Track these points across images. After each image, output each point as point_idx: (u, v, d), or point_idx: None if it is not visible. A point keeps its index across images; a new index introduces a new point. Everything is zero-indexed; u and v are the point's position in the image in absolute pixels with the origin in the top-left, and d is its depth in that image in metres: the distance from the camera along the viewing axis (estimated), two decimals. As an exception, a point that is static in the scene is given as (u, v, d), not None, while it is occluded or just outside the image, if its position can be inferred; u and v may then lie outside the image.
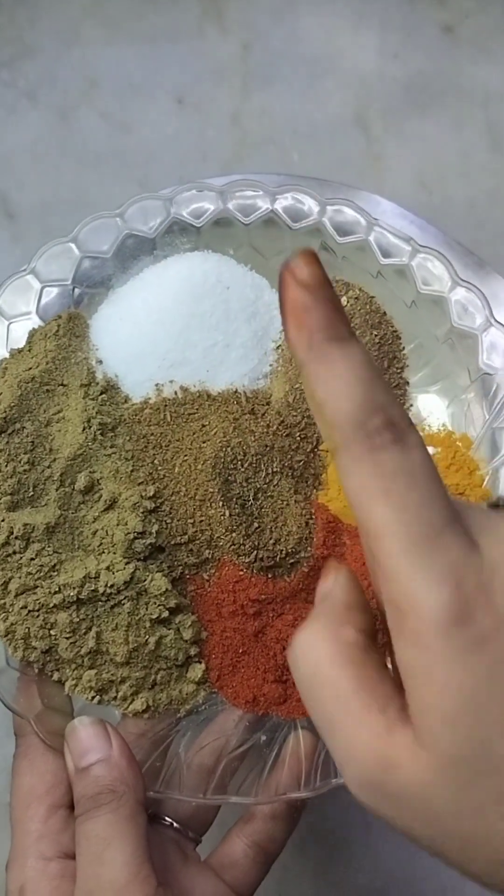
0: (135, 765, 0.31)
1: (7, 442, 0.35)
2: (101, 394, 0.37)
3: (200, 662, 0.36)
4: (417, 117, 0.55)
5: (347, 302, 0.40)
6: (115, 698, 0.35)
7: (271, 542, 0.36)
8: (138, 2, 0.58)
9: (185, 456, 0.36)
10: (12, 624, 0.34)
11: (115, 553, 0.34)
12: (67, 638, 0.34)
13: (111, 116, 0.56)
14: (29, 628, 0.34)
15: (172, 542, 0.36)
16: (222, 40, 0.57)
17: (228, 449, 0.36)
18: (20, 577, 0.34)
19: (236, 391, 0.38)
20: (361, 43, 0.57)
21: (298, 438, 0.38)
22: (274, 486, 0.37)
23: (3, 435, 0.35)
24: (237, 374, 0.38)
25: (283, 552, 0.36)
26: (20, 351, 0.39)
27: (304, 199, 0.41)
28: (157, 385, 0.38)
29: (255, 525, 0.36)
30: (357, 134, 0.55)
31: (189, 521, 0.36)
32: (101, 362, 0.38)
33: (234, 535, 0.36)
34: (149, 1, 0.58)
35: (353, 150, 0.55)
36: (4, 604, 0.34)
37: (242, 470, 0.37)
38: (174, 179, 0.49)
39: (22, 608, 0.34)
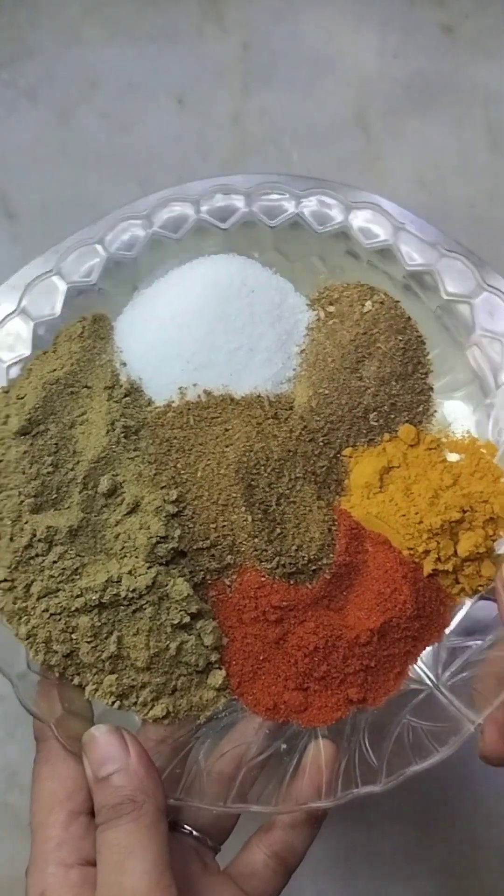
0: (154, 773, 0.31)
1: (31, 444, 0.35)
2: (125, 396, 0.37)
3: (221, 669, 0.36)
4: (417, 117, 0.55)
5: (373, 306, 0.40)
6: (135, 704, 0.35)
7: (293, 548, 0.36)
8: (138, 2, 0.58)
9: (208, 460, 0.36)
10: (34, 627, 0.34)
11: (137, 557, 0.34)
12: (89, 642, 0.34)
13: (111, 116, 0.56)
14: (50, 632, 0.34)
15: (195, 547, 0.36)
16: (222, 40, 0.57)
17: (251, 454, 0.36)
18: (42, 580, 0.34)
19: (259, 396, 0.38)
20: (361, 43, 0.57)
21: (321, 444, 0.38)
22: (296, 492, 0.37)
23: (27, 437, 0.35)
24: (261, 379, 0.38)
25: (306, 558, 0.36)
26: (45, 352, 0.39)
27: (329, 201, 0.41)
28: (180, 388, 0.38)
29: (278, 531, 0.36)
30: (357, 134, 0.55)
31: (211, 525, 0.36)
32: (125, 365, 0.38)
33: (256, 540, 0.36)
34: (149, 1, 0.58)
35: (353, 150, 0.55)
36: (26, 607, 0.34)
37: (265, 475, 0.36)
38: (174, 179, 0.49)
39: (44, 611, 0.34)
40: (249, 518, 0.35)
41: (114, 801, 0.30)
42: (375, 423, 0.39)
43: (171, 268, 0.41)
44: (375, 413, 0.39)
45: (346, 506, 0.38)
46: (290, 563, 0.36)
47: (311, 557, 0.36)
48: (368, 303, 0.40)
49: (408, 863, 0.47)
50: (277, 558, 0.36)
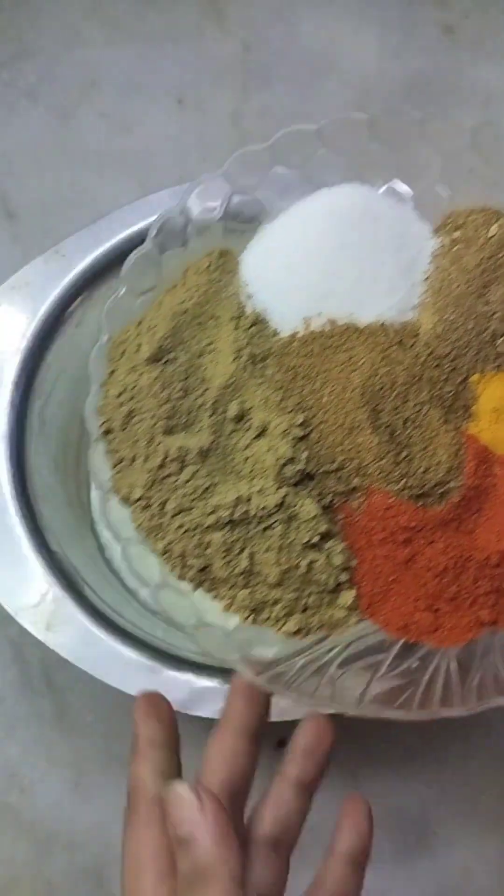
0: (231, 840, 0.30)
1: (161, 371, 0.36)
2: (251, 326, 0.37)
3: (351, 588, 0.36)
4: (417, 117, 0.55)
5: (499, 230, 0.39)
6: (268, 619, 0.35)
7: (420, 470, 0.36)
8: (138, 2, 0.58)
9: (334, 385, 0.36)
10: (169, 543, 0.35)
11: (266, 478, 0.35)
12: (222, 557, 0.34)
13: (111, 116, 0.56)
14: (185, 547, 0.35)
15: (322, 470, 0.36)
16: (222, 40, 0.57)
17: (376, 378, 0.36)
18: (176, 499, 0.35)
19: (383, 324, 0.38)
20: (361, 43, 0.57)
21: (448, 370, 0.37)
22: (423, 416, 0.37)
23: (157, 364, 0.36)
24: (384, 306, 0.38)
25: (433, 481, 0.36)
26: (174, 286, 0.39)
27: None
28: (305, 318, 0.37)
29: (404, 453, 0.36)
30: (357, 134, 0.55)
31: (338, 448, 0.36)
32: (250, 297, 0.38)
33: (382, 462, 0.36)
34: (149, 1, 0.58)
35: (353, 150, 0.55)
36: (161, 524, 0.35)
37: (391, 399, 0.36)
38: (174, 179, 0.49)
39: (178, 528, 0.35)
40: (375, 440, 0.36)
41: (189, 869, 0.30)
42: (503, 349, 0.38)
43: (296, 200, 0.40)
44: (503, 339, 0.38)
45: (473, 431, 0.37)
46: (418, 486, 0.36)
47: (439, 480, 0.36)
48: (494, 227, 0.39)
49: (408, 863, 0.48)
50: (404, 480, 0.36)
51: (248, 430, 0.35)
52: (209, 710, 0.40)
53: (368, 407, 0.36)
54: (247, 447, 0.35)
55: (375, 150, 0.40)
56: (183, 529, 0.35)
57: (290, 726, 0.44)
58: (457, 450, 0.37)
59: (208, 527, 0.34)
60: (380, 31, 0.57)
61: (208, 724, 0.48)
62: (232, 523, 0.34)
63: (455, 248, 0.39)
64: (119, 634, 0.41)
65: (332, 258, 0.37)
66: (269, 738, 0.49)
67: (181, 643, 0.45)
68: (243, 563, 0.34)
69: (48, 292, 0.44)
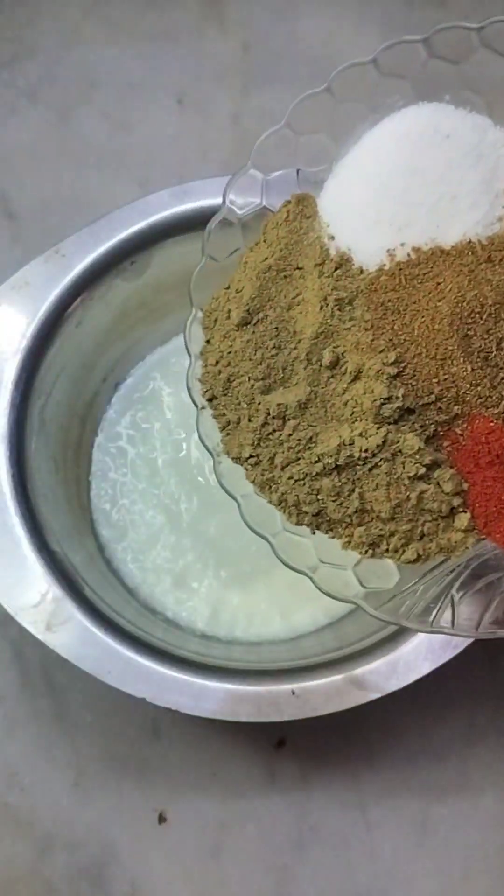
0: None
1: (253, 332, 0.37)
2: (336, 269, 0.37)
3: (465, 511, 0.36)
4: (417, 117, 0.55)
5: None
6: (386, 550, 0.36)
7: None
8: (138, 2, 0.58)
9: (423, 318, 0.36)
10: (283, 494, 0.36)
11: (366, 420, 0.35)
12: (334, 500, 0.36)
13: (111, 116, 0.56)
14: (298, 496, 0.36)
15: (420, 403, 0.36)
16: (222, 40, 0.57)
17: (464, 304, 0.36)
18: (283, 452, 0.36)
19: (470, 241, 0.37)
20: (361, 44, 0.57)
21: None
22: None
23: (248, 326, 0.37)
24: (469, 224, 0.37)
25: None
26: (256, 243, 0.39)
27: None
28: (388, 251, 0.37)
29: (501, 375, 0.36)
30: (357, 134, 0.55)
31: (433, 380, 0.36)
32: (332, 238, 0.38)
33: (479, 388, 0.36)
34: (149, 2, 0.58)
35: (353, 150, 0.55)
36: (273, 477, 0.36)
37: (481, 322, 0.36)
38: (174, 179, 0.49)
39: (289, 479, 0.36)
40: (469, 368, 0.35)
41: None
42: None
43: (364, 131, 0.39)
44: None
45: None
46: None
47: None
48: None
49: (408, 863, 0.48)
50: (503, 402, 0.36)
51: (343, 375, 0.36)
52: (209, 710, 0.40)
53: (459, 335, 0.35)
54: (344, 392, 0.36)
55: (437, 66, 0.40)
56: (293, 480, 0.36)
57: (290, 726, 0.44)
58: None
59: (317, 474, 0.36)
60: (380, 32, 0.57)
61: (208, 724, 0.48)
62: (338, 468, 0.35)
63: None
64: (119, 634, 0.41)
65: (406, 185, 0.37)
66: (269, 737, 0.49)
67: (181, 643, 0.45)
68: (355, 503, 0.36)
69: (48, 292, 0.44)
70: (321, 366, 0.36)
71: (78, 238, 0.45)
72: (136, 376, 0.53)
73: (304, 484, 0.36)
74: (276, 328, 0.37)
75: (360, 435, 0.35)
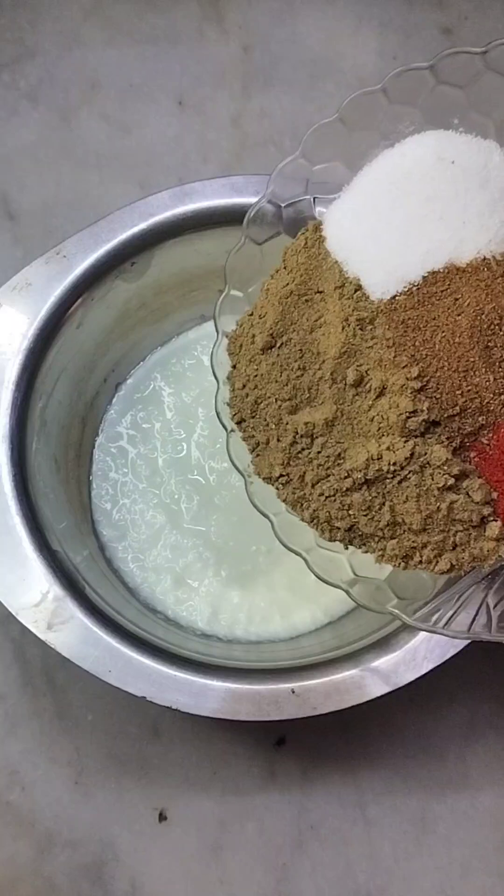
0: None
1: (277, 355, 0.38)
2: (356, 291, 0.38)
3: (496, 520, 0.37)
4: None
5: None
6: (420, 562, 0.37)
7: None
8: (139, 4, 0.58)
9: (443, 332, 0.36)
10: (315, 510, 0.37)
11: (393, 434, 0.36)
12: (365, 515, 0.36)
13: (112, 118, 0.57)
14: (329, 512, 0.37)
15: (446, 416, 0.36)
16: (223, 42, 0.57)
17: (483, 316, 0.36)
18: (312, 470, 0.37)
19: (485, 258, 0.37)
20: (361, 45, 0.57)
21: None
22: None
23: (272, 350, 0.38)
24: (482, 244, 0.37)
25: None
26: (277, 270, 0.40)
27: None
28: (406, 282, 0.37)
29: None
30: (357, 135, 0.56)
31: (457, 392, 0.36)
32: (344, 264, 0.39)
33: (502, 397, 0.36)
34: (149, 3, 0.58)
35: (352, 151, 0.55)
36: (304, 495, 0.37)
37: (501, 333, 0.36)
38: (174, 180, 0.49)
39: (320, 496, 0.37)
40: (492, 378, 0.36)
41: None
42: None
43: (373, 158, 0.40)
44: None
45: None
46: None
47: None
48: None
49: (407, 860, 0.48)
50: None
51: (368, 392, 0.36)
52: (209, 710, 0.40)
53: (479, 346, 0.36)
54: (370, 408, 0.36)
55: (445, 91, 0.40)
56: (324, 497, 0.37)
57: (290, 725, 0.44)
58: None
59: (347, 490, 0.36)
60: (379, 33, 0.57)
61: (208, 723, 0.48)
62: (368, 482, 0.36)
63: None
64: (119, 634, 0.41)
65: (417, 217, 0.37)
66: (269, 736, 0.49)
67: (181, 642, 0.45)
68: (386, 516, 0.36)
69: (49, 293, 0.44)
70: (346, 384, 0.37)
71: (79, 239, 0.45)
72: (137, 377, 0.53)
73: (335, 500, 0.36)
74: (300, 350, 0.38)
75: (388, 449, 0.36)
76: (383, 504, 0.36)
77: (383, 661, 0.41)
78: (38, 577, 0.41)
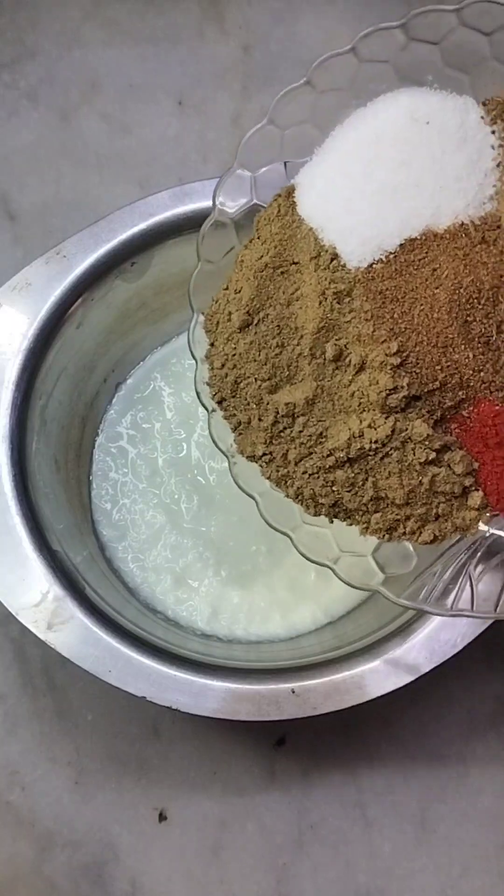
0: None
1: (255, 332, 0.37)
2: (332, 261, 0.37)
3: (478, 490, 0.37)
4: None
5: None
6: (403, 534, 0.37)
7: None
8: (139, 4, 0.58)
9: (422, 306, 0.36)
10: (299, 488, 0.37)
11: (373, 411, 0.36)
12: (349, 491, 0.36)
13: (112, 118, 0.57)
14: (314, 489, 0.37)
15: (426, 391, 0.36)
16: (223, 42, 0.57)
17: (461, 290, 0.36)
18: (295, 448, 0.37)
19: (463, 223, 0.36)
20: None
21: None
22: None
23: (250, 327, 0.37)
24: (459, 208, 0.36)
25: None
26: (251, 240, 0.39)
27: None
28: (382, 249, 0.36)
29: (503, 359, 0.36)
30: (357, 135, 0.56)
31: (436, 368, 0.36)
32: (319, 231, 0.37)
33: (482, 374, 0.36)
34: (149, 3, 0.58)
35: (352, 151, 0.55)
36: (288, 472, 0.37)
37: (480, 307, 0.36)
38: (175, 180, 0.49)
39: (303, 473, 0.37)
40: (471, 354, 0.36)
41: None
42: None
43: (346, 117, 0.38)
44: None
45: None
46: None
47: None
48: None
49: (407, 860, 0.48)
50: None
51: (347, 367, 0.36)
52: (209, 710, 0.40)
53: (458, 322, 0.35)
54: (350, 384, 0.36)
55: (418, 48, 0.39)
56: (308, 474, 0.37)
57: (290, 725, 0.44)
58: None
59: (330, 468, 0.36)
60: (379, 33, 0.57)
61: (209, 723, 0.48)
62: (350, 460, 0.36)
63: None
64: (120, 634, 0.41)
65: (393, 181, 0.36)
66: (269, 736, 0.49)
67: (181, 642, 0.45)
68: (369, 492, 0.36)
69: (49, 293, 0.44)
70: (325, 360, 0.36)
71: (79, 239, 0.45)
72: (137, 377, 0.53)
73: (319, 477, 0.36)
74: (278, 326, 0.37)
75: (370, 426, 0.35)
76: (366, 480, 0.36)
77: (383, 662, 0.41)
78: (38, 577, 0.41)
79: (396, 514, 0.36)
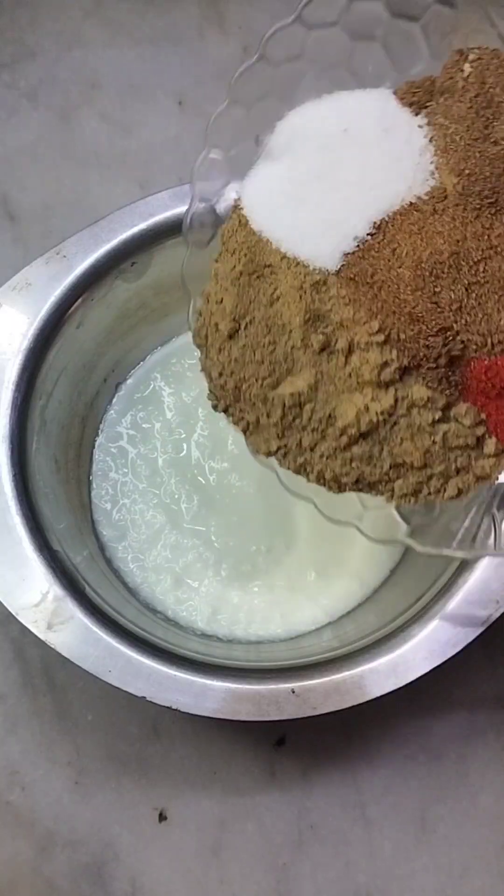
0: None
1: (245, 336, 0.38)
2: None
3: (491, 437, 0.37)
4: (417, 119, 0.56)
5: (471, 67, 0.38)
6: (429, 494, 0.38)
7: (502, 322, 0.36)
8: (139, 4, 0.58)
9: (389, 286, 0.37)
10: (320, 472, 0.38)
11: (372, 386, 0.37)
12: (368, 465, 0.37)
13: (112, 118, 0.57)
14: (334, 470, 0.37)
15: (417, 359, 0.37)
16: (222, 42, 0.58)
17: (423, 264, 0.36)
18: (308, 435, 0.37)
19: (411, 202, 0.37)
20: (361, 45, 0.57)
21: (489, 219, 0.37)
22: (483, 273, 0.37)
23: (238, 333, 0.38)
24: (403, 193, 0.37)
25: None
26: (220, 254, 0.40)
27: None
28: (341, 252, 0.37)
29: (480, 316, 0.37)
30: (357, 135, 0.56)
31: (419, 341, 0.36)
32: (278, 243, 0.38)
33: (461, 336, 0.36)
34: (149, 3, 0.58)
35: (352, 151, 0.55)
36: (306, 459, 0.38)
37: (445, 276, 0.36)
38: (175, 180, 0.49)
39: (321, 457, 0.37)
40: (450, 320, 0.36)
41: None
42: None
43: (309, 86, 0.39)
44: None
45: None
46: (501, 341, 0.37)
47: None
48: (466, 65, 0.38)
49: (407, 861, 0.48)
50: (489, 340, 0.37)
51: (339, 351, 0.37)
52: (209, 710, 0.40)
53: (426, 296, 0.36)
54: (345, 365, 0.37)
55: (361, 6, 0.40)
56: (325, 457, 0.37)
57: (290, 725, 0.44)
58: None
59: (345, 446, 0.37)
60: (379, 33, 0.57)
61: (209, 723, 0.48)
62: (363, 435, 0.37)
63: (442, 101, 0.39)
64: (120, 634, 0.41)
65: (326, 190, 0.37)
66: (269, 737, 0.49)
67: (181, 642, 0.45)
68: (387, 462, 0.37)
69: (49, 293, 0.44)
70: (316, 349, 0.37)
71: (79, 239, 0.45)
72: (137, 377, 0.53)
73: (336, 457, 0.37)
74: (266, 326, 0.37)
75: (373, 400, 0.36)
76: (382, 450, 0.37)
77: (383, 661, 0.41)
78: (38, 577, 0.41)
79: (418, 477, 0.37)
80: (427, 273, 0.36)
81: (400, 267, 0.37)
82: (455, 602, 0.41)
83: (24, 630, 0.41)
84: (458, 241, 0.37)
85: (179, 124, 0.56)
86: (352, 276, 0.37)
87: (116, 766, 0.48)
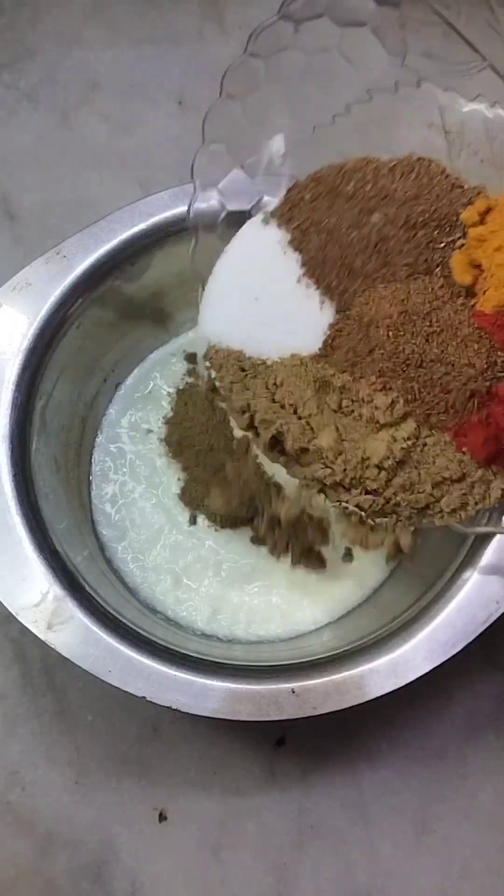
0: None
1: (281, 452, 0.40)
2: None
3: None
4: (417, 119, 0.56)
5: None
6: (476, 503, 0.38)
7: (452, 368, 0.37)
8: (139, 4, 0.58)
9: (371, 346, 0.39)
10: (379, 511, 0.38)
11: (390, 424, 0.38)
12: (410, 493, 0.38)
13: (112, 118, 0.57)
14: (374, 503, 0.38)
15: (420, 407, 0.38)
16: (223, 42, 0.58)
17: (390, 324, 0.38)
18: (355, 493, 0.38)
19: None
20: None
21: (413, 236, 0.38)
22: (438, 320, 0.38)
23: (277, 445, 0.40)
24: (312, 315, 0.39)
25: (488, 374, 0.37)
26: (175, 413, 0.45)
27: None
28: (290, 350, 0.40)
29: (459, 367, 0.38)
30: (357, 135, 0.56)
31: (411, 385, 0.38)
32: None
33: (457, 390, 0.37)
34: (149, 3, 0.58)
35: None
36: (342, 482, 0.38)
37: (403, 332, 0.38)
38: (175, 180, 0.49)
39: (374, 502, 0.38)
40: (422, 378, 0.38)
41: None
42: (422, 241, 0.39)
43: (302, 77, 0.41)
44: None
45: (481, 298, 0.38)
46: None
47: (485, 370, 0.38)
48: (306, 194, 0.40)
49: (407, 861, 0.48)
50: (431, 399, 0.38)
51: (351, 404, 0.38)
52: (209, 710, 0.40)
53: (405, 343, 0.38)
54: (361, 417, 0.38)
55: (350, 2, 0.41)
56: (373, 499, 0.38)
57: (290, 725, 0.44)
58: (479, 335, 0.38)
59: (386, 482, 0.38)
60: (379, 33, 0.57)
61: (208, 723, 0.48)
62: (399, 464, 0.38)
63: (298, 206, 0.41)
64: (119, 634, 0.41)
65: (277, 291, 0.40)
66: (269, 736, 0.49)
67: (181, 642, 0.45)
68: (427, 483, 0.38)
69: (49, 293, 0.44)
70: (329, 409, 0.38)
71: (79, 239, 0.45)
72: (137, 376, 0.53)
73: (381, 498, 0.38)
74: (279, 411, 0.39)
75: (396, 431, 0.37)
76: (419, 474, 0.38)
77: (383, 661, 0.41)
78: (38, 577, 0.41)
79: (461, 489, 0.38)
80: (400, 323, 0.38)
81: (375, 328, 0.39)
82: (455, 602, 0.41)
83: (24, 630, 0.41)
84: (402, 301, 0.39)
85: (179, 124, 0.56)
86: (336, 347, 0.39)
87: (116, 766, 0.48)
